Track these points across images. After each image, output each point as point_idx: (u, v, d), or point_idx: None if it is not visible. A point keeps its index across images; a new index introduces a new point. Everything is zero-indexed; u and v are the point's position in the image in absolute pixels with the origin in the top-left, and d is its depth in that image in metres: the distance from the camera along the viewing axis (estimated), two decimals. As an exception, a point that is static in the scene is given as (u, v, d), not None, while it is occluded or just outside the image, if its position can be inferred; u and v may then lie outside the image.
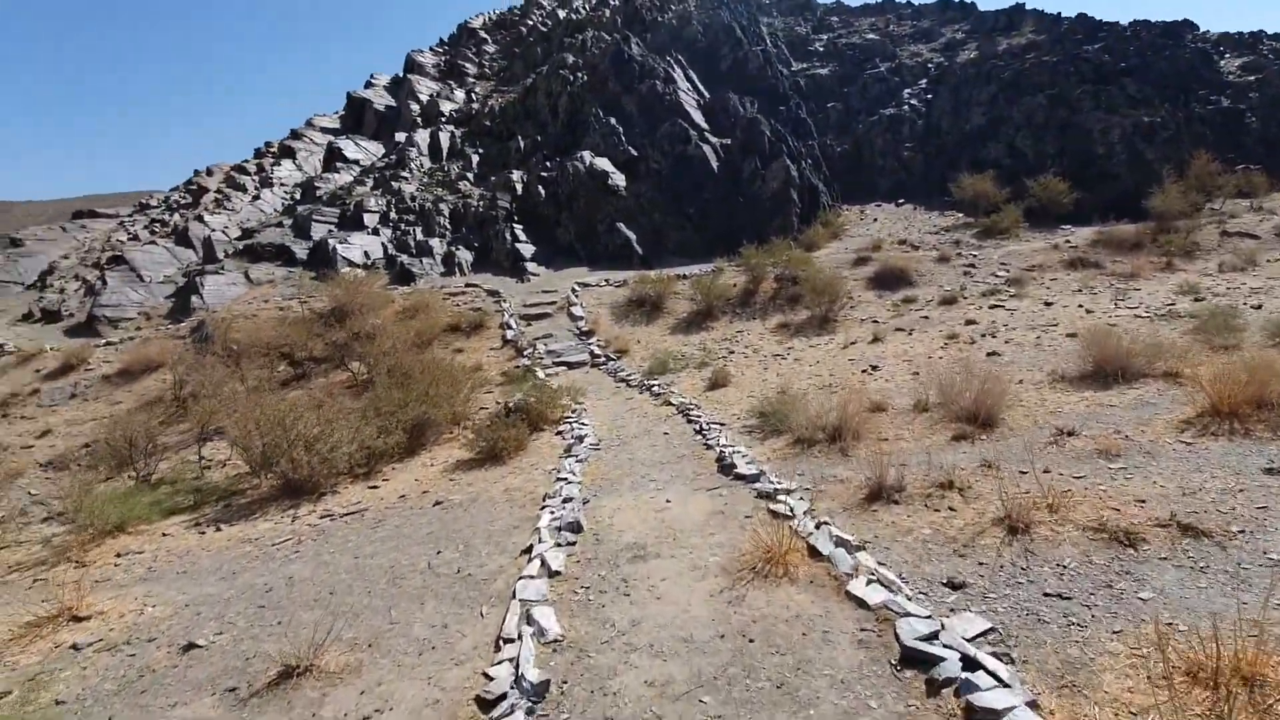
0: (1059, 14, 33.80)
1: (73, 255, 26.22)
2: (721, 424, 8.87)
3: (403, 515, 6.95)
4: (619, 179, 24.88)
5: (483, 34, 44.66)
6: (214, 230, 24.48)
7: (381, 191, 26.50)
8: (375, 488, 8.21)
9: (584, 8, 44.64)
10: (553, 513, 5.98)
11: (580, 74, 31.20)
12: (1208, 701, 2.88)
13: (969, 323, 12.84)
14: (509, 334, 16.14)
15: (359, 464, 8.72)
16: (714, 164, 25.01)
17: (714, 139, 25.95)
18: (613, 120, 27.21)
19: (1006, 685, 3.03)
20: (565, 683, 3.53)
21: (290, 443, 8.20)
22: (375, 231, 23.64)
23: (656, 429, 9.15)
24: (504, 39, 44.71)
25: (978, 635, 3.46)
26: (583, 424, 9.57)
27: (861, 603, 3.87)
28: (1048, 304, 13.55)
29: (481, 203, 25.53)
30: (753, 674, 3.43)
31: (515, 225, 24.20)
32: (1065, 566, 4.13)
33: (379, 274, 20.80)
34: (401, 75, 38.65)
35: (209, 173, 32.75)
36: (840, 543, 4.57)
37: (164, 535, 7.45)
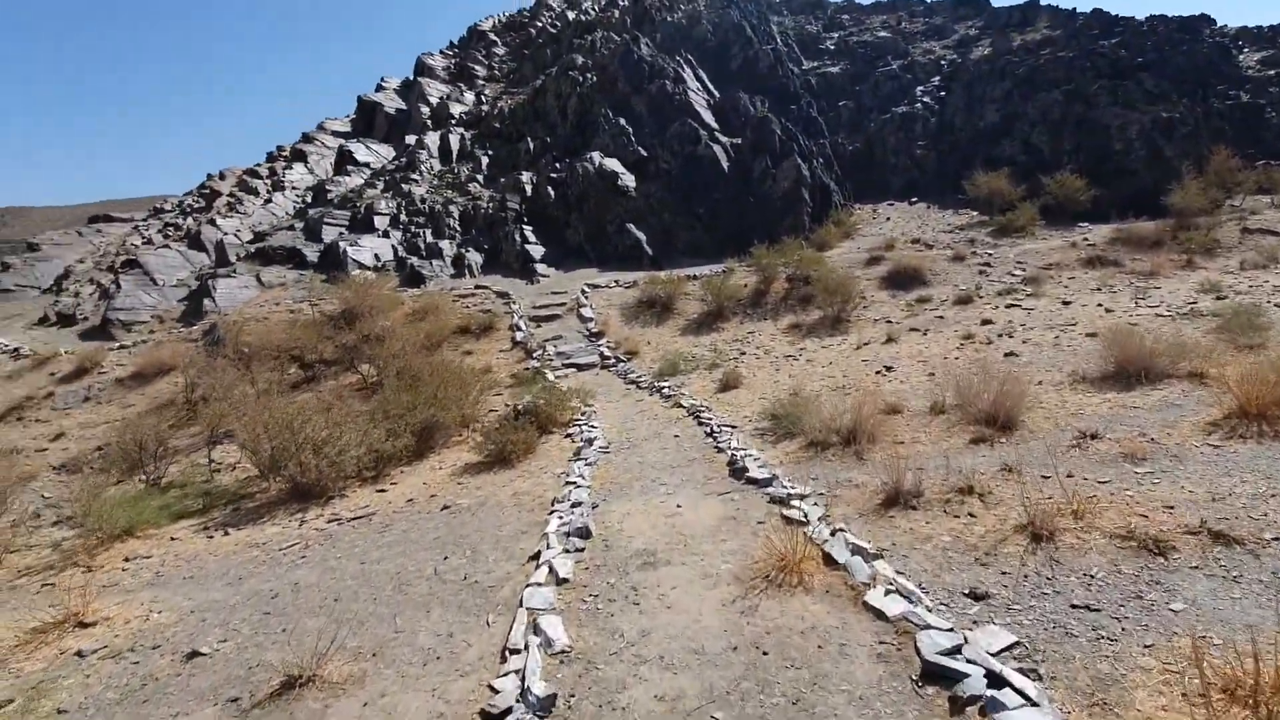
0: (1074, 9, 33.40)
1: (88, 259, 26.51)
2: (733, 426, 8.73)
3: (410, 520, 6.87)
4: (629, 179, 24.79)
5: (492, 36, 44.77)
6: (226, 234, 24.65)
7: (392, 194, 26.57)
8: (383, 491, 8.15)
9: (593, 9, 44.63)
10: (561, 518, 5.87)
11: (589, 75, 31.15)
12: (1248, 722, 2.73)
13: (985, 322, 12.62)
14: (518, 336, 16.08)
15: (367, 467, 8.66)
16: (724, 164, 24.85)
17: (724, 138, 25.80)
18: (622, 121, 27.13)
19: (1035, 704, 2.89)
20: (573, 696, 3.42)
21: (298, 446, 8.16)
22: (385, 234, 23.69)
23: (667, 431, 9.03)
24: (513, 41, 44.79)
25: (1003, 650, 3.32)
26: (592, 426, 9.46)
27: (880, 614, 3.73)
28: (1066, 303, 13.29)
29: (491, 204, 25.52)
30: (767, 689, 3.31)
31: (525, 227, 24.16)
32: (1093, 576, 3.97)
33: (389, 276, 20.83)
34: (412, 78, 38.82)
35: (221, 176, 33.01)
36: (856, 550, 4.43)
37: (172, 539, 7.42)
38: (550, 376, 13.05)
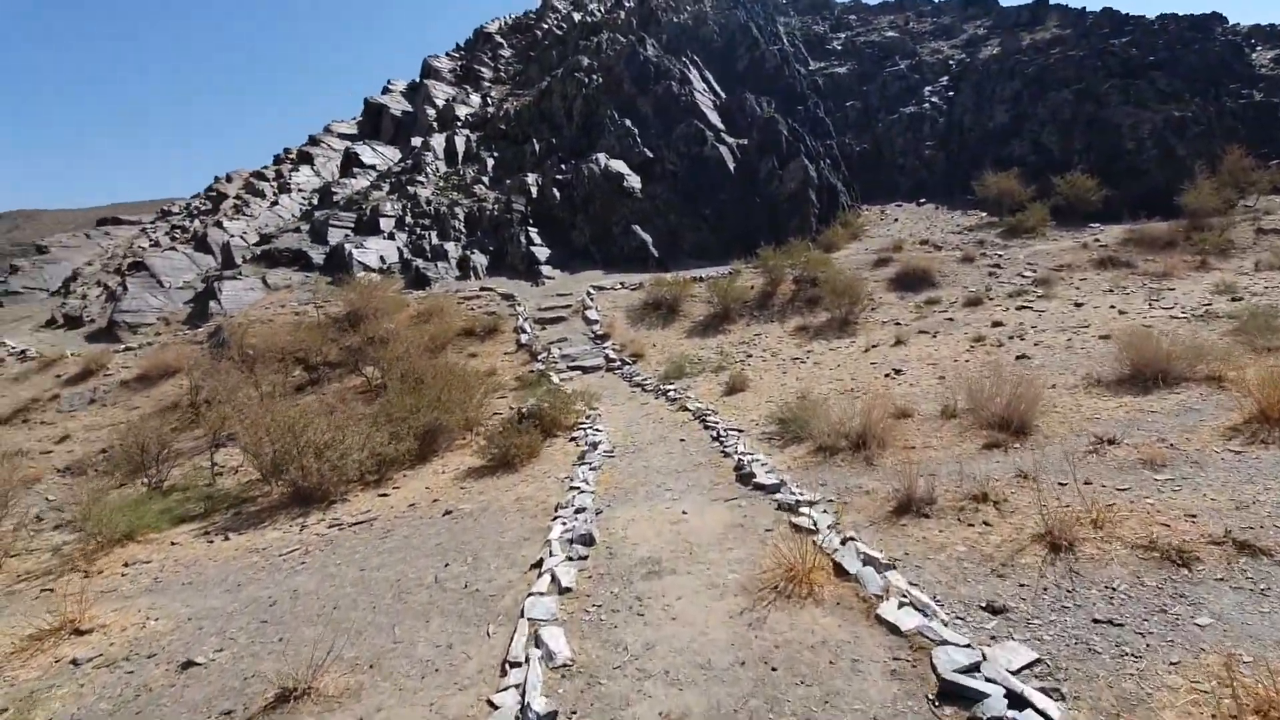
0: (1083, 8, 33.11)
1: (96, 262, 26.61)
2: (739, 430, 8.60)
3: (412, 525, 6.77)
4: (634, 181, 24.69)
5: (498, 38, 44.79)
6: (233, 236, 24.68)
7: (397, 196, 26.55)
8: (385, 495, 8.06)
9: (599, 10, 44.61)
10: (564, 524, 5.76)
11: (595, 76, 31.09)
12: (1286, 747, 2.58)
13: (996, 325, 12.44)
14: (523, 338, 15.99)
15: (370, 471, 8.57)
16: (730, 165, 24.72)
17: (730, 139, 25.67)
18: (628, 122, 27.04)
19: (1058, 726, 2.75)
20: (574, 713, 3.30)
21: (300, 450, 8.07)
22: (391, 236, 23.66)
23: (672, 435, 8.90)
24: (519, 43, 44.80)
25: (1023, 667, 3.17)
26: (597, 430, 9.35)
27: (893, 628, 3.59)
28: (1078, 305, 13.09)
29: (496, 206, 25.47)
30: (776, 707, 3.17)
31: (530, 228, 24.09)
32: (1114, 589, 3.82)
33: (394, 278, 20.80)
34: (418, 81, 38.86)
35: (228, 179, 33.11)
36: (868, 560, 4.29)
37: (172, 544, 7.35)
38: (555, 379, 12.95)
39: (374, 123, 36.10)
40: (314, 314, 17.71)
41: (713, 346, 14.48)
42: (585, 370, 14.00)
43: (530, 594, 4.54)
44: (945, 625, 3.55)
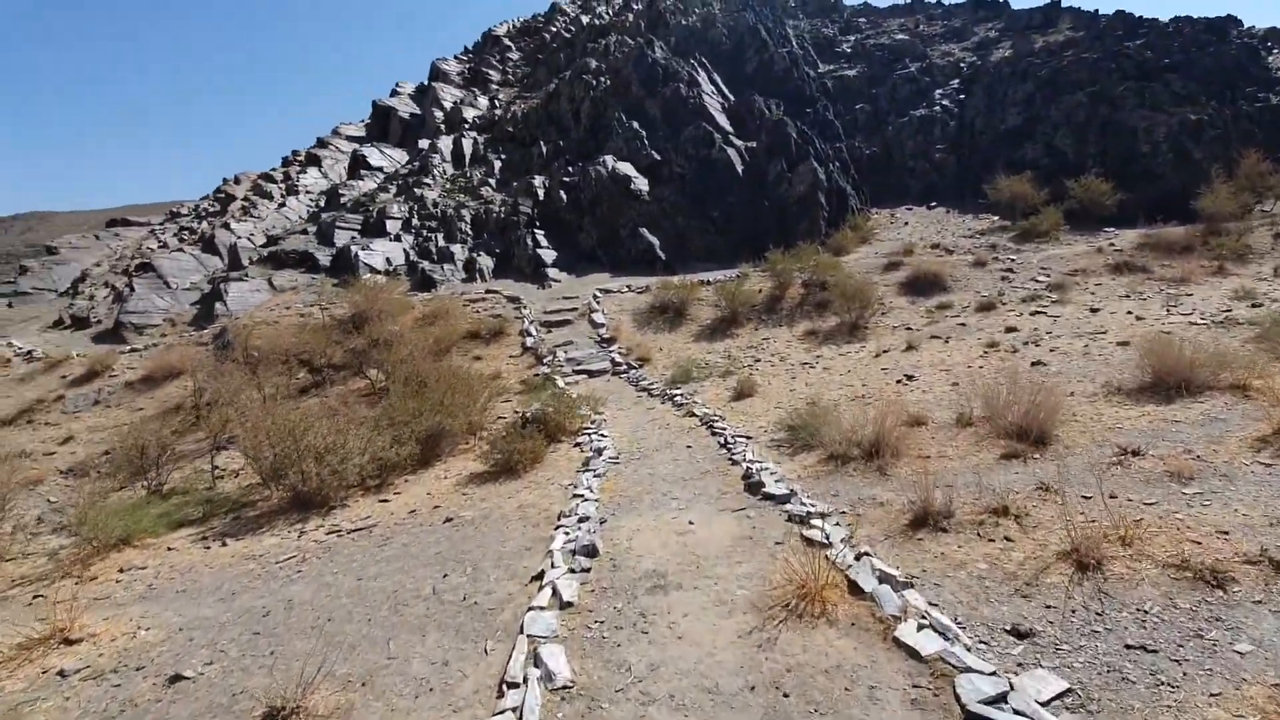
0: (1096, 11, 32.76)
1: (104, 263, 26.68)
2: (747, 437, 8.40)
3: (411, 532, 6.61)
4: (642, 183, 24.53)
5: (507, 41, 44.80)
6: (240, 237, 24.68)
7: (404, 198, 26.49)
8: (386, 501, 7.90)
9: (607, 13, 44.55)
10: (567, 533, 5.58)
11: (603, 79, 30.97)
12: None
13: (1009, 330, 12.20)
14: (529, 341, 15.84)
15: (370, 476, 8.42)
16: (739, 167, 24.52)
17: (739, 142, 25.47)
18: (636, 124, 26.89)
19: (1094, 765, 2.55)
20: (574, 740, 3.13)
21: (300, 454, 7.93)
22: (397, 238, 23.58)
23: (679, 442, 8.71)
24: (528, 46, 44.79)
25: (1054, 698, 2.98)
26: (602, 435, 9.18)
27: (913, 652, 3.39)
28: (1094, 310, 12.82)
29: (503, 208, 25.37)
30: (788, 737, 2.99)
31: (537, 231, 23.97)
32: (1146, 612, 3.61)
33: (400, 280, 20.70)
34: (426, 83, 38.89)
35: (237, 181, 33.19)
36: (884, 578, 4.09)
37: (169, 549, 7.21)
38: (560, 383, 12.78)
39: (382, 125, 36.12)
40: (319, 316, 17.63)
41: (720, 351, 14.28)
42: (591, 374, 13.82)
43: (530, 608, 4.37)
44: (968, 650, 3.35)
